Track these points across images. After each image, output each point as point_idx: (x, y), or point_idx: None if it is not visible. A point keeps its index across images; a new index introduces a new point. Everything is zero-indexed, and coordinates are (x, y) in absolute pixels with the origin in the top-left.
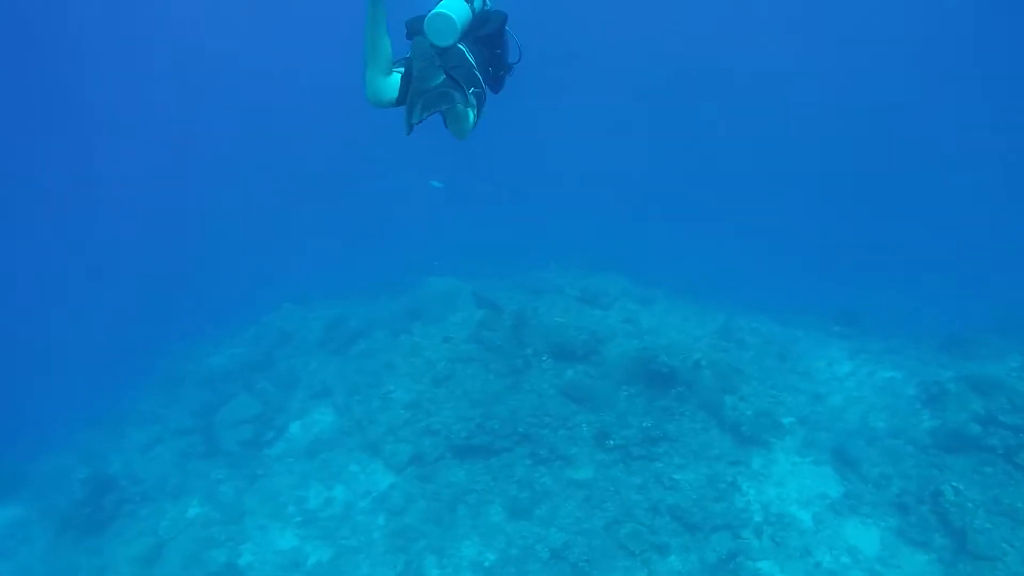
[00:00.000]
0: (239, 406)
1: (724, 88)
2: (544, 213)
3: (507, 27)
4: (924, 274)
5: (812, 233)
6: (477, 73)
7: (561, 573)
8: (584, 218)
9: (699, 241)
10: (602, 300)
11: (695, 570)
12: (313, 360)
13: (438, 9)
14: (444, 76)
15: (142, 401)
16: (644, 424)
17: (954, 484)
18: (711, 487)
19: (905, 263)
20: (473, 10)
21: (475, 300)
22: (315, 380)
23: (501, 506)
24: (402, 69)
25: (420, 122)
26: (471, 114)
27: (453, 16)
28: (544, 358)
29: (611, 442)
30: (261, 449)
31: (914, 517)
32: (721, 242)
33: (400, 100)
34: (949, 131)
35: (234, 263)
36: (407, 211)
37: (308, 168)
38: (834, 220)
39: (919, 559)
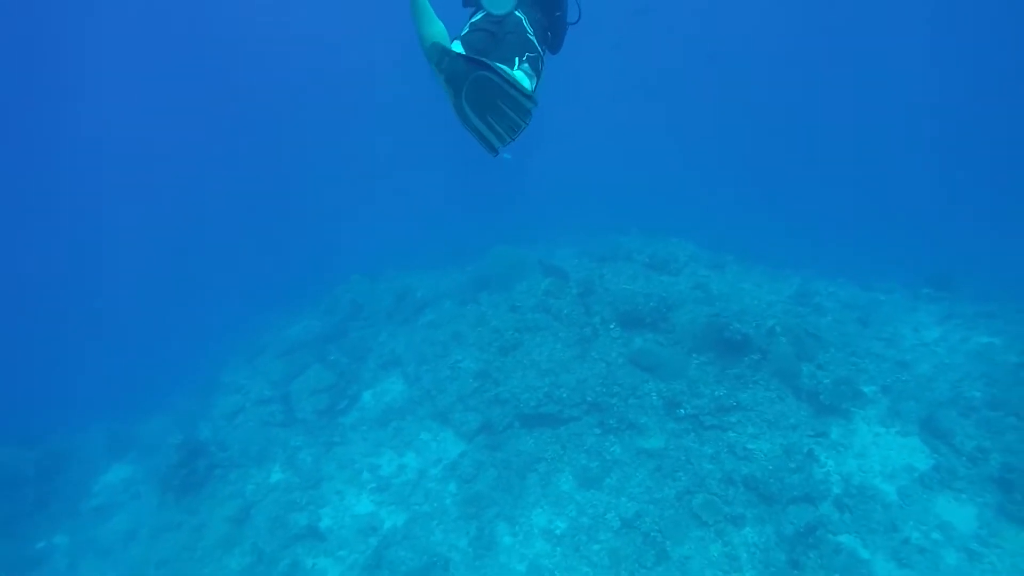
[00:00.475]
0: (314, 376)
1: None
2: (605, 180)
3: None
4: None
5: (895, 191)
6: (532, 38)
7: (632, 542)
8: (646, 185)
9: (767, 204)
10: (671, 266)
11: (771, 542)
12: (383, 331)
13: None
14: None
15: (227, 372)
16: (716, 393)
17: None
18: (787, 457)
19: (1003, 224)
20: None
21: (541, 268)
22: (385, 350)
23: (571, 475)
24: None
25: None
26: (525, 78)
27: None
28: (612, 326)
29: (682, 411)
30: (336, 417)
31: (1019, 494)
32: (792, 204)
33: None
34: None
35: (307, 237)
36: (470, 183)
37: (376, 143)
38: (920, 177)
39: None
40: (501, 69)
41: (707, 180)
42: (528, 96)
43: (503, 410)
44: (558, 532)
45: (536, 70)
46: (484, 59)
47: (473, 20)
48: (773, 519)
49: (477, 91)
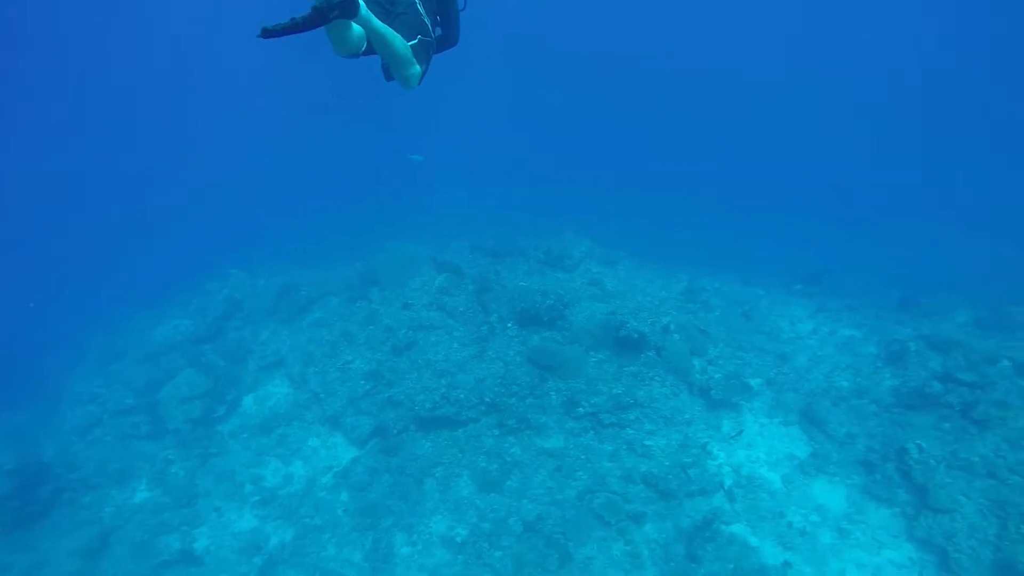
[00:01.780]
0: (186, 381)
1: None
2: (497, 178)
3: None
4: (880, 236)
5: (768, 197)
6: (426, 21)
7: (535, 547)
8: (539, 184)
9: (656, 204)
10: (566, 262)
11: (671, 537)
12: (264, 330)
13: None
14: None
15: (77, 380)
16: (614, 391)
17: (918, 442)
18: (683, 452)
19: (862, 227)
20: None
21: (434, 264)
22: (267, 351)
23: (470, 479)
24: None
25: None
26: (416, 63)
27: None
28: (509, 324)
29: (581, 410)
30: (213, 426)
31: (879, 475)
32: (677, 204)
33: (370, 49)
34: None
35: (175, 228)
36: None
37: (255, 136)
38: (790, 184)
39: (883, 514)
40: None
41: (596, 179)
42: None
43: (397, 413)
44: (459, 540)
45: (426, 56)
46: None
47: None
48: (672, 514)
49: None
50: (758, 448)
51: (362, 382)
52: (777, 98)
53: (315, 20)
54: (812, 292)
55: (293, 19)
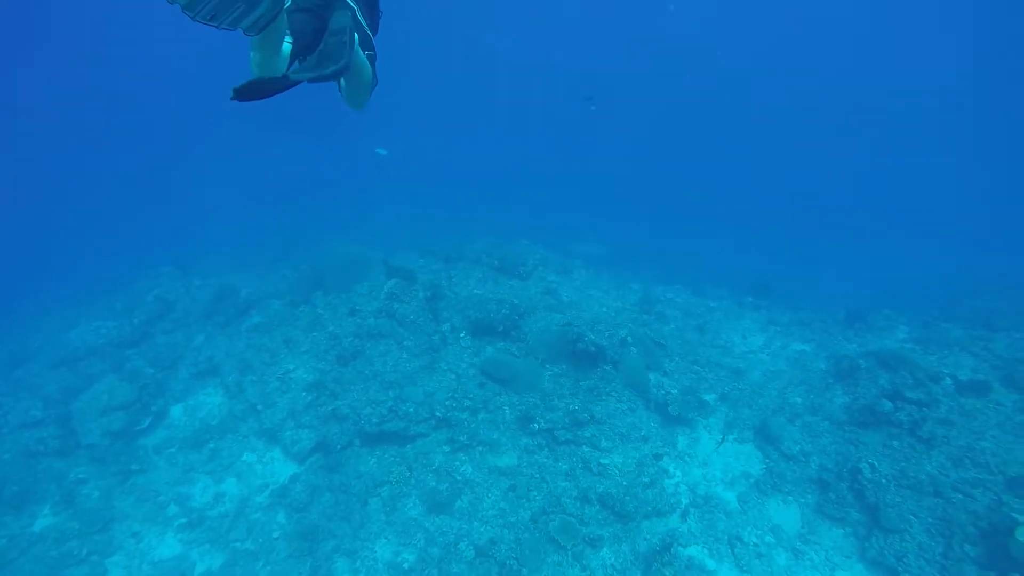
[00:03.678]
0: (107, 389)
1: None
2: (447, 183)
3: None
4: (825, 251)
5: (721, 210)
6: (369, 32)
7: (488, 573)
8: (492, 189)
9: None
10: (520, 269)
11: (628, 562)
12: (198, 334)
13: None
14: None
15: None
16: (571, 406)
17: (871, 461)
18: (640, 472)
19: (808, 241)
20: None
21: (385, 268)
22: (201, 357)
23: (418, 499)
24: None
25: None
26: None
27: None
28: (463, 334)
29: (536, 425)
30: (135, 440)
31: (832, 493)
32: (632, 214)
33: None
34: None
35: (98, 221)
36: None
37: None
38: (744, 198)
39: (836, 534)
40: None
41: (552, 187)
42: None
43: (342, 427)
44: (406, 566)
45: (373, 65)
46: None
47: None
48: (629, 537)
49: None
50: (714, 466)
51: (304, 393)
52: (741, 104)
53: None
54: (761, 304)
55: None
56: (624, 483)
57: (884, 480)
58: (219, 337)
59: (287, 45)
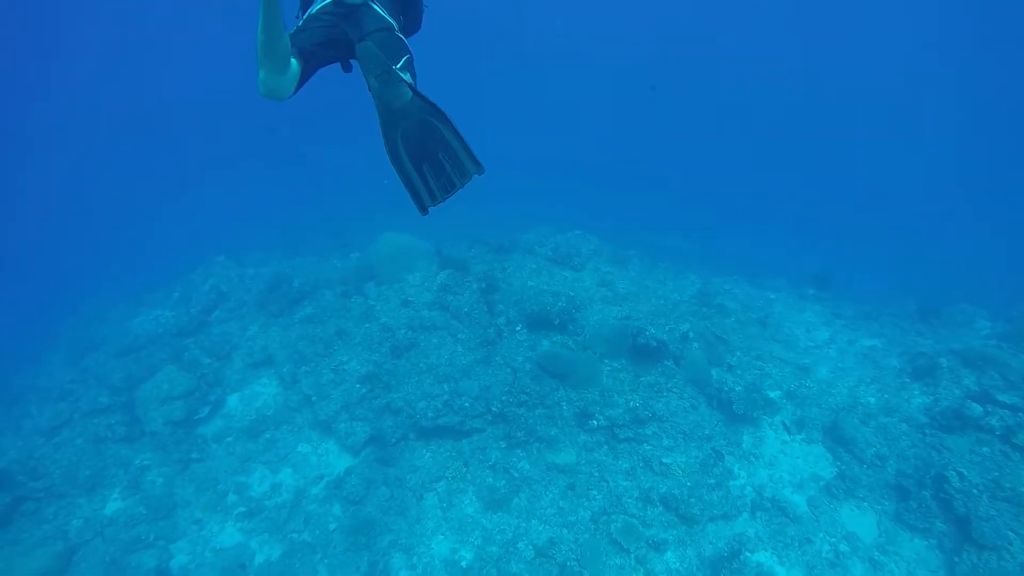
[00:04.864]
0: (167, 378)
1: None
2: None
3: None
4: (888, 242)
5: (778, 198)
6: (400, 35)
7: (549, 574)
8: (543, 177)
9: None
10: (575, 260)
11: (694, 567)
12: (253, 324)
13: None
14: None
15: (46, 374)
16: (631, 403)
17: (958, 469)
18: (705, 472)
19: (870, 233)
20: None
21: (437, 258)
22: (255, 347)
23: (475, 495)
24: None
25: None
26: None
27: None
28: (518, 327)
29: (595, 422)
30: (194, 428)
31: (913, 502)
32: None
33: (300, 86)
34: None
35: (161, 215)
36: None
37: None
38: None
39: (918, 545)
40: (449, 121)
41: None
42: (475, 160)
43: (396, 420)
44: (464, 564)
45: (413, 72)
46: (437, 104)
47: (312, 12)
48: (694, 541)
49: (420, 134)
50: (780, 467)
51: (358, 385)
52: (783, 97)
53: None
54: (823, 296)
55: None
56: (688, 484)
57: (975, 491)
58: (273, 327)
59: (294, 62)
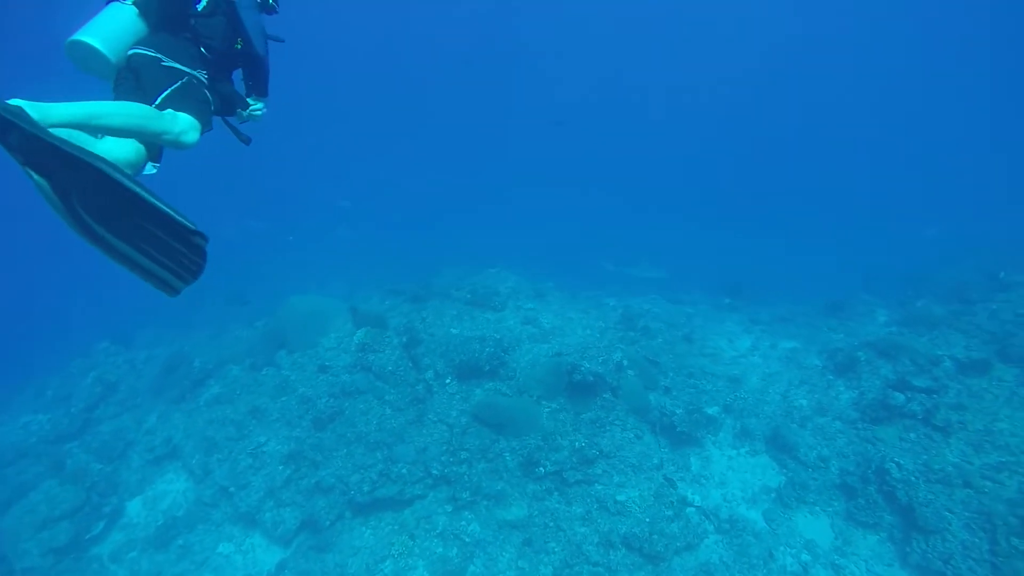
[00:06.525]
0: (44, 497)
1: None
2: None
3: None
4: (784, 246)
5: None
6: (177, 67)
7: None
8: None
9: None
10: (494, 300)
11: None
12: (150, 415)
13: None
14: None
15: None
16: (576, 443)
17: (896, 460)
18: (661, 503)
19: (765, 239)
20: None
21: (352, 316)
22: (156, 440)
23: (426, 570)
24: None
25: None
26: (171, 120)
27: (91, 42)
28: (448, 380)
29: (541, 469)
30: (86, 551)
31: (861, 499)
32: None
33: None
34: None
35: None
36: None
37: None
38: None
39: (871, 541)
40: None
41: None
42: (182, 220)
43: (328, 500)
44: None
45: (196, 101)
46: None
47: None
48: None
49: (93, 195)
50: (731, 485)
51: (281, 467)
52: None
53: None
54: (738, 305)
55: None
56: (647, 519)
57: (912, 478)
58: (175, 415)
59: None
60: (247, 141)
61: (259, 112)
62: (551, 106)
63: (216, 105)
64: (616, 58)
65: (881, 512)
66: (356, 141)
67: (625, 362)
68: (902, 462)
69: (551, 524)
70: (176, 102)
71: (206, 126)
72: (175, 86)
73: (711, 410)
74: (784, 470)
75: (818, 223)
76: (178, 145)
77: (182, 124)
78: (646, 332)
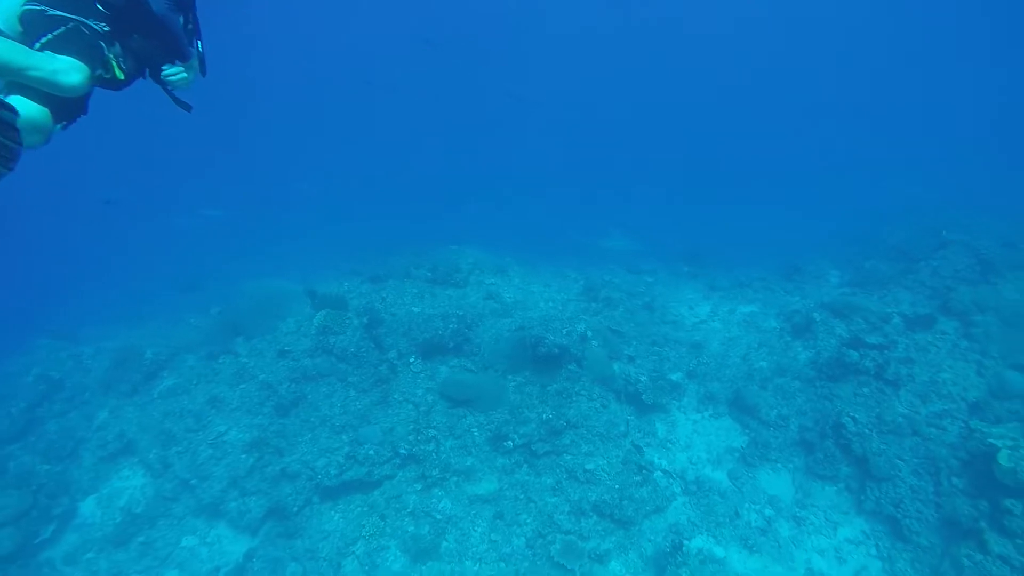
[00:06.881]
0: None
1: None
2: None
3: None
4: (740, 214)
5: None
6: (56, 13)
7: None
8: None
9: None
10: (455, 277)
11: (638, 569)
12: (101, 410)
13: None
14: None
15: None
16: (543, 415)
17: (852, 414)
18: (629, 470)
19: (721, 207)
20: None
21: (311, 299)
22: (108, 436)
23: (399, 549)
24: None
25: None
26: (56, 57)
27: None
28: (412, 359)
29: (510, 443)
30: (35, 556)
31: (820, 453)
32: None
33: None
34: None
35: None
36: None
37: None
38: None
39: (829, 492)
40: None
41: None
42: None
43: (295, 486)
44: None
45: (85, 46)
46: None
47: None
48: (634, 544)
49: None
50: (697, 448)
51: (243, 456)
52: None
53: None
54: (698, 272)
55: None
56: (616, 485)
57: (866, 430)
58: (127, 409)
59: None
60: (188, 108)
61: (176, 77)
62: (516, 83)
63: (129, 64)
64: (583, 36)
65: (838, 464)
66: (318, 128)
67: (589, 333)
68: (857, 416)
69: (522, 496)
70: (56, 47)
71: (94, 69)
72: (57, 31)
73: (675, 376)
74: (747, 430)
75: (780, 191)
76: (55, 86)
77: (58, 63)
78: (608, 302)
